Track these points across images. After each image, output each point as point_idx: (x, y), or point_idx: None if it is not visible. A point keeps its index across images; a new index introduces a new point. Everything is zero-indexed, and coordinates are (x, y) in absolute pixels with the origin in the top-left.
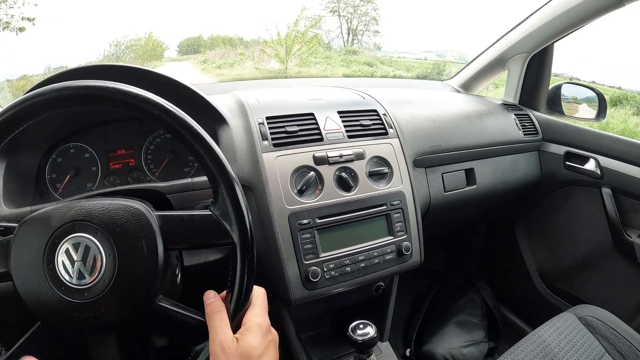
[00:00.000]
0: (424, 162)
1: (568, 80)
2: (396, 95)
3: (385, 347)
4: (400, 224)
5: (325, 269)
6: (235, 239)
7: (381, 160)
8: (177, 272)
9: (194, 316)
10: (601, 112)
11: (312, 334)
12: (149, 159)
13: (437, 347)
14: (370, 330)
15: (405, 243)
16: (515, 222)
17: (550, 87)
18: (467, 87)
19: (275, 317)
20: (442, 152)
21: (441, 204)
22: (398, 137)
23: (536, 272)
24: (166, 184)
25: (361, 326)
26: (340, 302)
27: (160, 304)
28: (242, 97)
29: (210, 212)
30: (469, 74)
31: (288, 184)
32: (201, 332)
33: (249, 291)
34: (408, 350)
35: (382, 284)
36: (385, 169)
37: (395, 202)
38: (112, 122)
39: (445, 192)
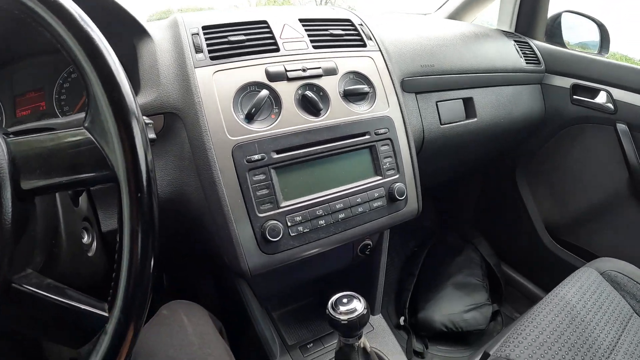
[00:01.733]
0: (414, 85)
1: (567, 9)
2: (376, 18)
3: (377, 321)
4: (389, 159)
5: (289, 224)
6: (116, 165)
7: (359, 77)
8: (89, 239)
9: (87, 307)
10: (603, 46)
11: (287, 311)
12: (63, 101)
13: (434, 314)
14: (358, 305)
15: (398, 185)
16: (515, 168)
17: (548, 15)
18: (454, 18)
19: (234, 295)
20: (434, 74)
21: (437, 140)
22: (380, 51)
23: (541, 224)
24: (64, 120)
25: (345, 300)
26: (315, 269)
27: (22, 285)
28: (177, 15)
29: (83, 129)
30: (456, 3)
31: (231, 107)
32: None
33: (143, 282)
34: (402, 319)
35: (370, 242)
36: (366, 88)
37: (382, 131)
38: (18, 60)
39: (441, 124)
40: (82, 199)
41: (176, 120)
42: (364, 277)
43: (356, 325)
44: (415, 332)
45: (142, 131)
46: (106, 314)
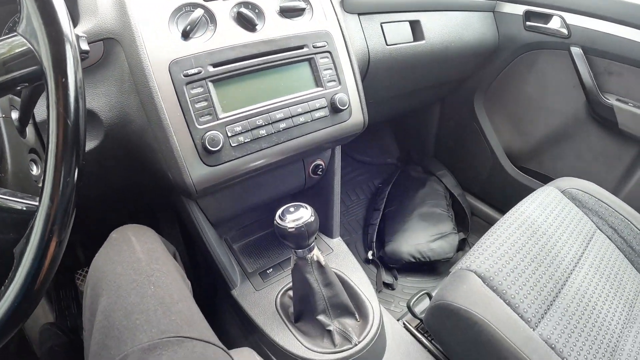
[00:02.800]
0: (355, 4)
1: None
2: None
3: (336, 244)
4: (329, 71)
5: (229, 134)
6: (44, 56)
7: None
8: (38, 171)
9: (18, 200)
10: None
11: (247, 243)
12: None
13: (402, 245)
14: (305, 213)
15: (340, 95)
16: (473, 97)
17: None
18: None
19: (193, 228)
20: None
21: (383, 61)
22: None
23: (502, 151)
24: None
25: (292, 209)
26: (267, 191)
27: None
28: None
29: (16, 35)
30: None
31: (167, 27)
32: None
33: (70, 163)
34: (370, 253)
35: (321, 162)
36: (302, 4)
37: (320, 44)
38: None
39: (387, 44)
40: (30, 132)
41: (115, 46)
42: (320, 201)
43: (304, 233)
44: (384, 265)
45: (69, 27)
46: (36, 203)
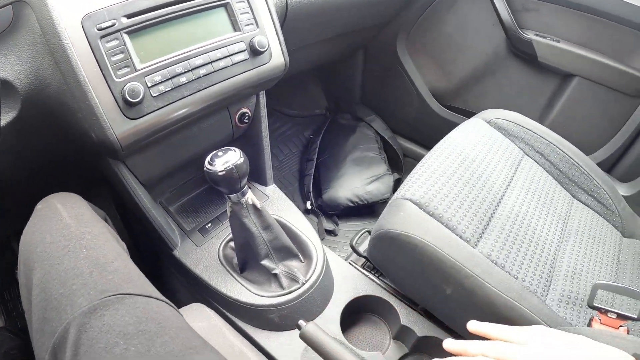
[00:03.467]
0: None
1: None
2: None
3: (271, 191)
4: (246, 15)
5: (149, 84)
6: None
7: None
8: None
9: None
10: None
11: (183, 203)
12: None
13: (338, 192)
14: (233, 156)
15: (259, 37)
16: (395, 41)
17: None
18: None
19: (124, 192)
20: None
21: (302, 6)
22: None
23: (428, 92)
24: None
25: (220, 153)
26: (195, 143)
27: None
28: None
29: None
30: None
31: None
32: None
33: None
34: (309, 203)
35: (247, 110)
36: None
37: None
38: None
39: None
40: None
41: (24, 8)
42: (250, 151)
43: (234, 175)
44: (323, 212)
45: None
46: None
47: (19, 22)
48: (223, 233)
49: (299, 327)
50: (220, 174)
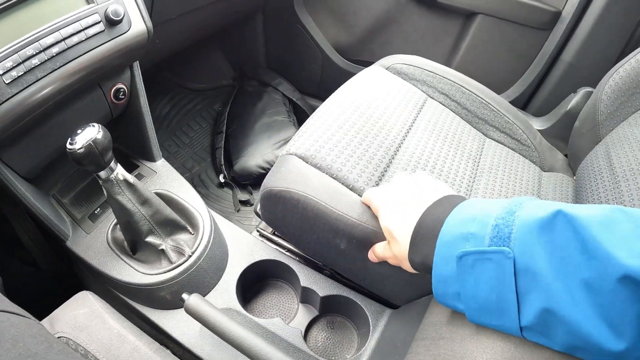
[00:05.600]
0: None
1: None
2: None
3: (160, 166)
4: None
5: (1, 72)
6: None
7: None
8: None
9: None
10: None
11: (75, 194)
12: None
13: (248, 160)
14: (91, 132)
15: (114, 6)
16: (292, 0)
17: None
18: None
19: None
20: None
21: None
22: None
23: (331, 48)
24: None
25: (79, 131)
26: (69, 127)
27: None
28: None
29: None
30: None
31: None
32: None
33: None
34: (222, 176)
35: (122, 86)
36: None
37: None
38: None
39: None
40: None
41: None
42: (133, 129)
43: (95, 151)
44: (237, 184)
45: None
46: None
47: None
48: (112, 216)
49: (182, 301)
50: (79, 151)
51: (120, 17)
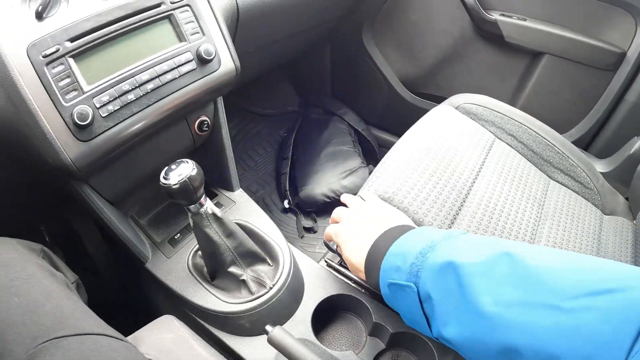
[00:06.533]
0: None
1: None
2: None
3: (238, 196)
4: (191, 24)
5: (97, 105)
6: None
7: None
8: None
9: None
10: None
11: (153, 216)
12: None
13: (314, 188)
14: (186, 167)
15: (206, 45)
16: (360, 32)
17: None
18: None
19: (86, 205)
20: None
21: (255, 7)
22: None
23: (397, 80)
24: None
25: (174, 167)
26: (155, 156)
27: None
28: None
29: None
30: None
31: (19, 12)
32: None
33: None
34: (286, 202)
35: (206, 118)
36: None
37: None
38: None
39: None
40: None
41: None
42: (213, 158)
43: (189, 187)
44: (301, 210)
45: None
46: None
47: None
48: (192, 242)
49: (266, 332)
50: (174, 187)
51: (212, 57)
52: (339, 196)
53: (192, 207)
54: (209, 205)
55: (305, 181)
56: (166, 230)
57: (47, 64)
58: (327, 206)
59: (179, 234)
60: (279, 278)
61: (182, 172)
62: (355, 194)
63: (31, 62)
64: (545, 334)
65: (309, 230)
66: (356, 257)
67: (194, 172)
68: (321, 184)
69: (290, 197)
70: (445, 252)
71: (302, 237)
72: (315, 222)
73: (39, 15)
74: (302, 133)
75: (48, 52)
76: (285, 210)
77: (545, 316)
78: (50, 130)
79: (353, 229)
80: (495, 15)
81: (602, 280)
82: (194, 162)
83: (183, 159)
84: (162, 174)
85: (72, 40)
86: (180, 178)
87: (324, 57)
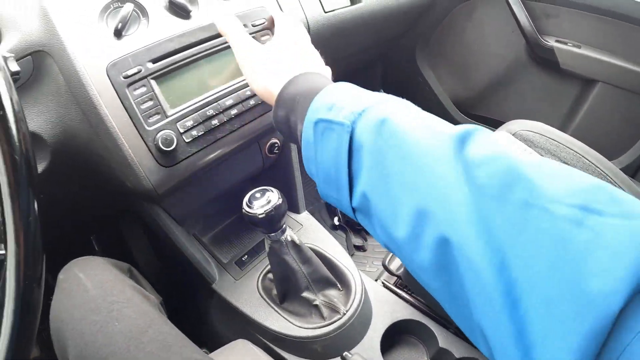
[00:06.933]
0: None
1: None
2: None
3: (304, 218)
4: None
5: (181, 130)
6: None
7: None
8: None
9: None
10: None
11: (215, 233)
12: None
13: None
14: (272, 197)
15: None
16: (414, 50)
17: None
18: None
19: (158, 229)
20: None
21: (324, 30)
22: None
23: (449, 101)
24: None
25: (258, 195)
26: (227, 178)
27: None
28: None
29: None
30: None
31: (98, 28)
32: None
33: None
34: (336, 219)
35: (277, 141)
36: None
37: (259, 22)
38: None
39: (325, 12)
40: None
41: (45, 58)
42: (281, 179)
43: (274, 217)
44: (351, 228)
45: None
46: (3, 252)
47: (40, 72)
48: (261, 265)
49: (343, 359)
50: (260, 217)
51: None
52: None
53: (272, 235)
54: (289, 233)
55: None
56: (231, 250)
57: (129, 85)
58: None
59: (246, 256)
60: (352, 304)
61: (269, 202)
62: None
63: (111, 83)
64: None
65: (359, 248)
66: (267, 83)
67: (280, 202)
68: None
69: (339, 214)
70: (388, 111)
71: (352, 255)
72: (366, 240)
73: (118, 33)
74: None
75: (129, 72)
76: (334, 227)
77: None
78: (132, 155)
79: (267, 52)
80: (551, 42)
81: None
82: (278, 191)
83: (267, 188)
84: (246, 201)
85: (154, 61)
86: (267, 208)
87: (376, 75)
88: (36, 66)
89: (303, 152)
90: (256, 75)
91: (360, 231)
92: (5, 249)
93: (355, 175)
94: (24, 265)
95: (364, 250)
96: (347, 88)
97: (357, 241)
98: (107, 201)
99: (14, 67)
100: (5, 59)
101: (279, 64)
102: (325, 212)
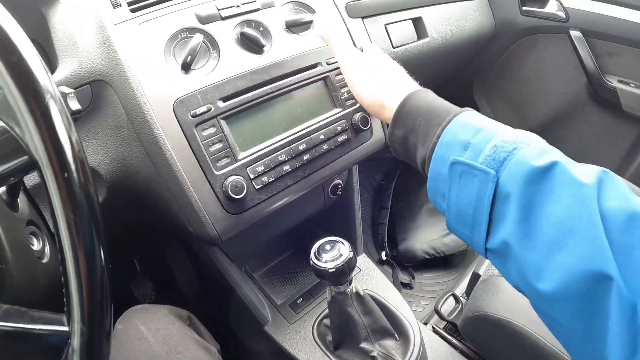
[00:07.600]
0: (359, 9)
1: None
2: None
3: (361, 261)
4: (346, 89)
5: (252, 176)
6: (32, 146)
7: (300, 6)
8: (39, 244)
9: (45, 327)
10: None
11: (268, 269)
12: None
13: (415, 243)
14: (343, 250)
15: (361, 114)
16: (472, 84)
17: None
18: None
19: (210, 265)
20: None
21: None
22: None
23: None
24: None
25: (328, 247)
26: (288, 220)
27: None
28: None
29: None
30: None
31: (164, 60)
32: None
33: (96, 280)
34: (383, 254)
35: (340, 181)
36: (308, 16)
37: (334, 60)
38: None
39: (393, 47)
40: (22, 201)
41: (105, 88)
42: (340, 219)
43: (345, 272)
44: (399, 264)
45: (57, 99)
46: (67, 328)
47: (99, 102)
48: (317, 309)
49: None
50: (331, 271)
51: (368, 127)
52: (439, 254)
53: (339, 286)
54: (355, 284)
55: (404, 234)
56: (283, 290)
57: (197, 124)
58: (425, 262)
59: (301, 299)
60: (410, 356)
61: (339, 255)
62: (457, 252)
63: (178, 121)
64: None
65: (406, 286)
66: (379, 94)
67: (351, 255)
68: (421, 240)
69: (387, 249)
70: (545, 148)
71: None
72: (413, 278)
73: (186, 66)
74: (402, 183)
75: (198, 111)
76: (381, 262)
77: None
78: (197, 200)
79: (379, 64)
80: (614, 82)
81: None
82: (348, 243)
83: (336, 239)
84: (314, 252)
85: (225, 99)
86: (338, 263)
87: None
88: (95, 96)
89: (429, 183)
90: (363, 86)
91: (408, 268)
92: (70, 326)
93: (496, 220)
94: (91, 350)
95: (411, 288)
96: (475, 120)
97: (405, 278)
98: (158, 232)
99: (75, 105)
100: (65, 95)
101: (388, 75)
102: (372, 245)
